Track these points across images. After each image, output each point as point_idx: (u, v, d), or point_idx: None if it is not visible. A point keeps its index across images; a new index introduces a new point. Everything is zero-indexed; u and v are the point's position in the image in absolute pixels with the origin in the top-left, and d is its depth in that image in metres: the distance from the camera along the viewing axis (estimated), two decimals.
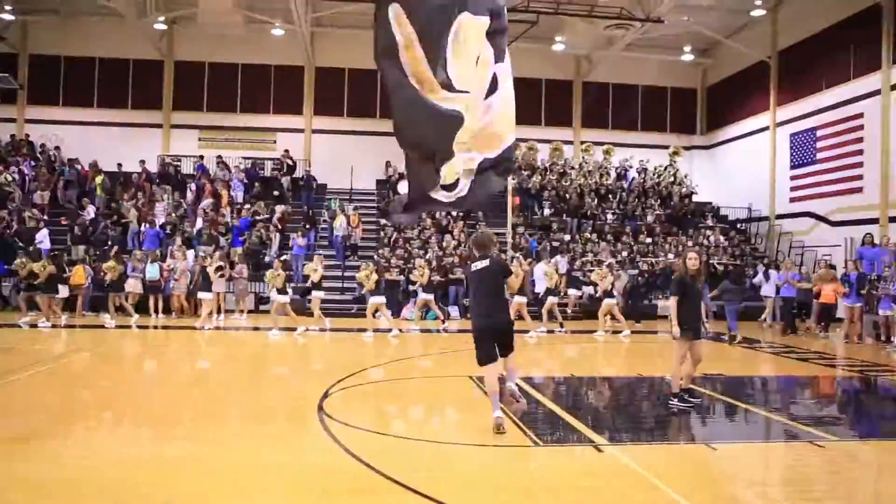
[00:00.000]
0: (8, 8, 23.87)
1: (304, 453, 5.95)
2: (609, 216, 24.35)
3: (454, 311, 18.74)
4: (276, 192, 24.39)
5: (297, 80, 27.22)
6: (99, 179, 23.33)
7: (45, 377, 9.48)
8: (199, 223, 21.18)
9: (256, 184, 24.40)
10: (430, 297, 16.42)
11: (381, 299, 15.25)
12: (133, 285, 17.23)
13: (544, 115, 28.27)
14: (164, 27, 25.59)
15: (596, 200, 24.90)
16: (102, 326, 15.21)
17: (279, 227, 21.59)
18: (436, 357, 12.51)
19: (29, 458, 5.59)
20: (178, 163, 25.89)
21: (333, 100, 27.45)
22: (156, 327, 16.04)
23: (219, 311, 17.14)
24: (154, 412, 7.54)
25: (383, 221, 22.59)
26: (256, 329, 15.82)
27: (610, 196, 25.40)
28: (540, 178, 25.12)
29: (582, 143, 28.01)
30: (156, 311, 17.59)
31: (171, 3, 24.60)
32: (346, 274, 20.25)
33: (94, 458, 5.67)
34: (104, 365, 11.14)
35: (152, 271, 17.69)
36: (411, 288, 18.53)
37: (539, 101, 28.19)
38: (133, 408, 7.83)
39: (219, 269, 16.25)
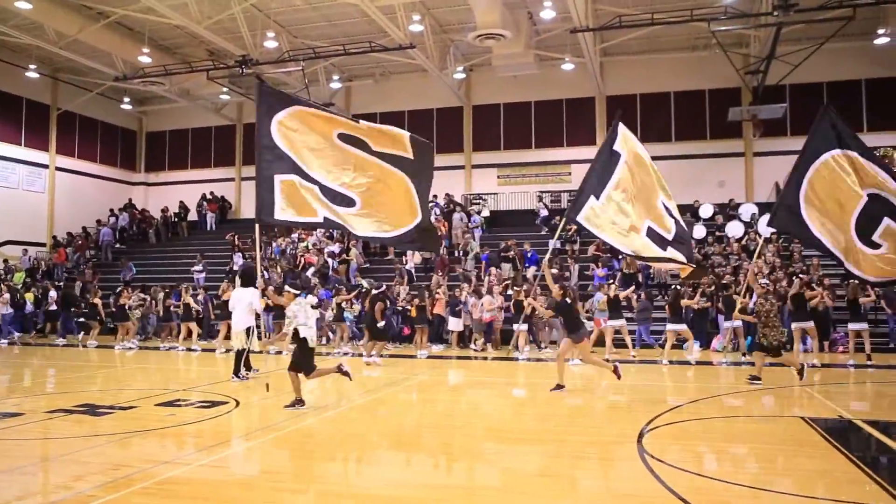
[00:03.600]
0: (336, 77, 28.11)
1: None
2: None
3: None
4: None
5: (589, 111, 27.51)
6: None
7: None
8: None
9: None
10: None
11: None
12: None
13: (866, 119, 24.71)
14: (462, 76, 27.69)
15: None
16: None
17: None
18: (754, 393, 10.90)
19: None
20: (479, 201, 27.60)
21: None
22: None
23: None
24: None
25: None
26: None
27: None
28: None
29: None
30: None
31: (468, 55, 26.60)
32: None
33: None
34: None
35: None
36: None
37: (860, 104, 24.79)
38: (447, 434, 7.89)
39: None
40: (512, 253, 21.55)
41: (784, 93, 23.73)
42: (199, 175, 32.46)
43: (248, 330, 11.91)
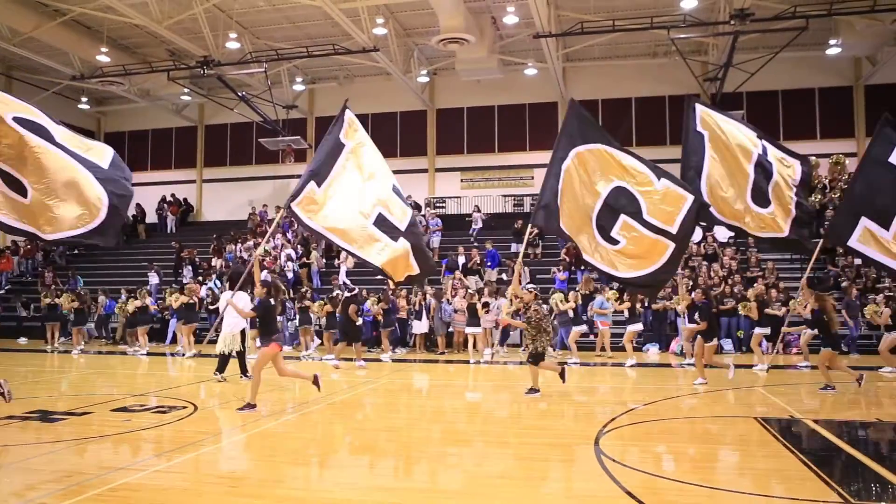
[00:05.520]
0: (299, 80, 28.16)
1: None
2: None
3: (727, 344, 17.46)
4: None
5: (552, 116, 27.42)
6: None
7: None
8: None
9: None
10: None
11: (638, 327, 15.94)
12: None
13: (819, 126, 25.87)
14: (426, 80, 27.88)
15: None
16: None
17: None
18: (710, 395, 11.01)
19: None
20: (444, 204, 27.94)
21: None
22: None
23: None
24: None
25: None
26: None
27: None
28: (820, 196, 21.55)
29: None
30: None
31: (432, 59, 26.77)
32: None
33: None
34: None
35: None
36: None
37: (813, 112, 25.96)
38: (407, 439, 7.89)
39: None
40: (473, 263, 21.57)
41: (741, 100, 24.31)
42: (160, 177, 31.83)
43: (242, 332, 12.47)
